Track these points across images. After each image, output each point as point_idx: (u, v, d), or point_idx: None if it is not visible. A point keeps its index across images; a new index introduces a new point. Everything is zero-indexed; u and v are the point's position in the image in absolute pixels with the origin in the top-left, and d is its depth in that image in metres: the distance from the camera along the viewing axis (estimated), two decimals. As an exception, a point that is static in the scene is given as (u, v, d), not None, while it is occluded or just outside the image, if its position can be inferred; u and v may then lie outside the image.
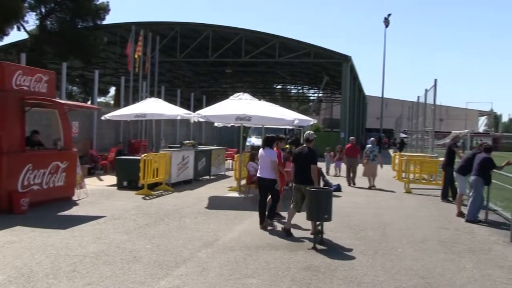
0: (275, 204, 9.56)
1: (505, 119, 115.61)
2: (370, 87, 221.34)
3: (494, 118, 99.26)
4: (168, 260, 6.84)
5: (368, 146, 18.34)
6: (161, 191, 14.02)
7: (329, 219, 8.01)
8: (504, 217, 11.26)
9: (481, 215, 10.99)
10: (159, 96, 24.21)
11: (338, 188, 15.39)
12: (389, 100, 67.76)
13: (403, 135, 46.02)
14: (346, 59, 38.26)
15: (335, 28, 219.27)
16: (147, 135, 23.96)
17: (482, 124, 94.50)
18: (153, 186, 13.98)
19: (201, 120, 14.54)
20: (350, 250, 7.79)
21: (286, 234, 8.70)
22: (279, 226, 9.41)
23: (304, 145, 9.19)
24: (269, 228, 9.25)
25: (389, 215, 11.41)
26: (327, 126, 66.91)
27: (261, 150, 9.78)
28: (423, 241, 8.62)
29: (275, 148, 9.77)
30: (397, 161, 21.25)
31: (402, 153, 24.12)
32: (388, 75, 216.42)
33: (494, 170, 10.76)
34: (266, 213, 9.46)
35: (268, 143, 9.67)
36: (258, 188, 9.94)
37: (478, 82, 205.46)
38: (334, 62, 40.13)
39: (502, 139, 71.97)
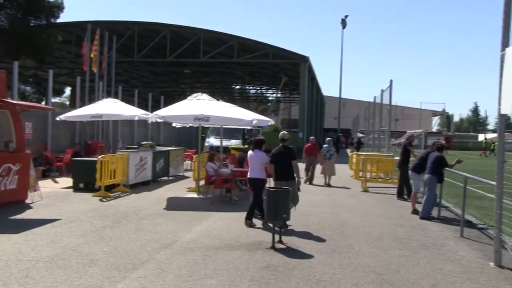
0: (257, 204, 9.89)
1: (456, 118, 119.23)
2: (328, 88, 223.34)
3: (446, 118, 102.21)
4: (126, 262, 6.75)
5: (325, 146, 19.07)
6: (119, 192, 13.81)
7: (287, 218, 8.09)
8: (455, 213, 11.64)
9: (434, 212, 11.32)
10: (116, 97, 23.85)
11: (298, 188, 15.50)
12: (347, 100, 68.84)
13: (361, 135, 46.77)
14: (304, 59, 38.68)
15: (294, 29, 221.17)
16: (104, 136, 23.56)
17: (435, 124, 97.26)
18: (110, 188, 13.78)
19: (159, 120, 14.40)
20: (309, 249, 7.87)
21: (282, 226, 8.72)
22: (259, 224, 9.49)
23: (280, 144, 9.92)
24: (248, 225, 9.58)
25: (346, 213, 11.60)
26: (286, 126, 67.30)
27: (250, 152, 10.24)
28: (379, 238, 8.82)
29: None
30: (354, 160, 21.62)
31: (359, 153, 24.54)
32: (345, 76, 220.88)
33: (446, 168, 11.11)
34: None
35: (257, 145, 10.08)
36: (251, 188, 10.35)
37: (432, 83, 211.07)
38: (293, 62, 40.53)
39: (454, 138, 74.22)
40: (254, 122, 13.73)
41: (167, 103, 26.12)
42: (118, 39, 31.22)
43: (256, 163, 9.90)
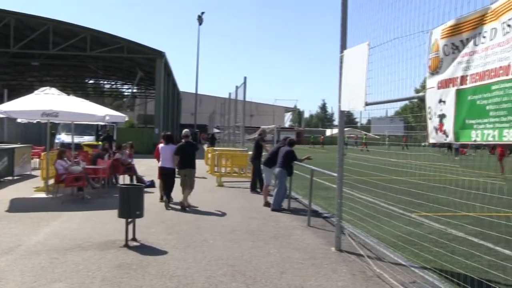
0: (170, 189, 12.04)
1: (307, 115, 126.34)
2: (186, 83, 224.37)
3: (298, 114, 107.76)
4: (-40, 272, 6.16)
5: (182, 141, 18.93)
6: (-47, 196, 12.50)
7: (141, 215, 7.98)
8: (303, 204, 12.37)
9: (285, 204, 11.94)
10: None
11: (152, 184, 15.36)
12: (203, 96, 69.47)
13: (217, 131, 47.54)
14: (160, 54, 38.26)
15: (151, 24, 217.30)
16: None
17: (288, 120, 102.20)
18: None
19: (1, 116, 13.27)
20: (164, 245, 7.86)
21: (182, 208, 11.48)
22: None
23: (183, 140, 12.09)
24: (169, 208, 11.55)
25: (202, 208, 11.73)
26: (142, 122, 66.11)
27: (162, 145, 12.33)
28: (233, 231, 9.08)
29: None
30: (209, 155, 21.92)
31: (215, 148, 24.91)
32: (202, 72, 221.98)
33: (296, 162, 11.76)
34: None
35: (168, 140, 12.27)
36: (160, 175, 12.35)
37: (285, 81, 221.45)
38: (148, 57, 39.87)
39: (304, 133, 78.63)
40: (107, 117, 13.31)
41: (12, 97, 24.12)
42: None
43: (169, 154, 11.94)
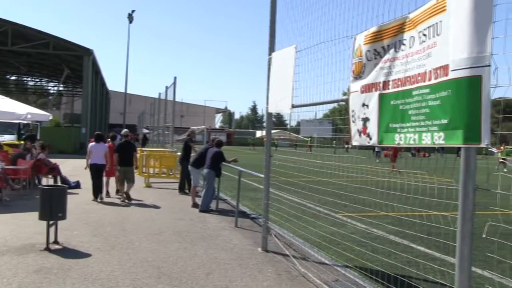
0: (101, 184, 12.86)
1: (237, 116, 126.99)
2: (115, 82, 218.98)
3: (228, 115, 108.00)
4: None
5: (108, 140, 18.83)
6: None
7: (63, 217, 7.68)
8: (232, 205, 12.41)
9: (213, 205, 11.92)
10: None
11: (78, 185, 14.86)
12: (133, 96, 68.07)
13: (146, 131, 46.67)
14: (88, 52, 37.12)
15: (79, 21, 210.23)
16: None
17: (218, 121, 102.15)
18: None
19: None
20: (88, 247, 7.61)
21: (127, 198, 12.85)
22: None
23: (123, 139, 13.64)
24: (99, 200, 12.63)
25: (128, 209, 11.51)
26: (68, 121, 63.86)
27: (93, 143, 12.93)
28: (160, 233, 8.94)
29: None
30: (138, 156, 21.53)
31: (143, 148, 24.50)
32: (132, 71, 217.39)
33: (224, 163, 11.78)
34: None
35: (99, 138, 12.94)
36: (91, 171, 12.82)
37: (216, 82, 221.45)
38: (76, 55, 38.56)
39: (234, 134, 78.89)
40: (29, 116, 12.77)
41: None
42: None
43: (100, 152, 12.77)
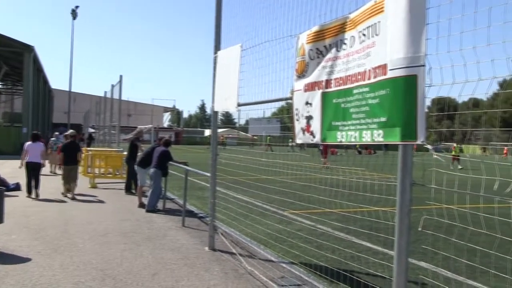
0: (37, 182, 13.33)
1: (186, 115, 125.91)
2: (59, 80, 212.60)
3: (176, 114, 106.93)
4: None
5: (52, 139, 20.87)
6: None
7: (1, 221, 7.40)
8: (179, 205, 12.31)
9: (160, 205, 11.79)
10: None
11: (17, 187, 14.34)
12: (78, 94, 66.38)
13: (92, 130, 45.59)
14: (29, 49, 35.88)
15: (20, 16, 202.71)
16: None
17: (166, 120, 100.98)
18: None
19: None
20: (27, 252, 7.35)
21: (72, 198, 13.13)
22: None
23: (68, 140, 14.12)
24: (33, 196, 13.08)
25: (72, 211, 11.21)
26: (8, 121, 61.38)
27: (29, 143, 13.65)
28: (104, 234, 8.76)
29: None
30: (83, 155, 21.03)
31: (88, 148, 23.93)
32: (77, 69, 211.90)
33: (171, 163, 11.66)
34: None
35: (35, 138, 13.69)
36: (27, 169, 13.36)
37: (164, 80, 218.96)
38: (15, 51, 37.09)
39: (183, 133, 78.30)
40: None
41: None
42: None
43: (36, 151, 13.43)
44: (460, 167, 26.57)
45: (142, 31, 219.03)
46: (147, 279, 6.18)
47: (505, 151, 52.04)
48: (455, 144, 34.10)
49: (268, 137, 38.38)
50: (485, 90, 3.43)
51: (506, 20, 3.06)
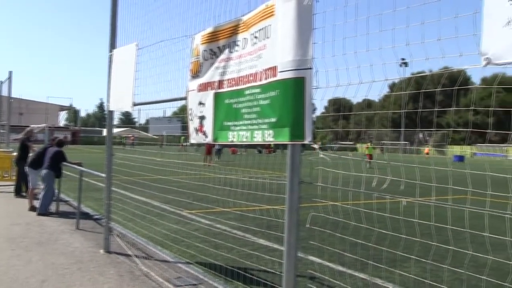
0: None
1: (83, 114, 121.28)
2: None
3: (73, 113, 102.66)
4: None
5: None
6: None
7: None
8: (74, 207, 11.83)
9: (53, 207, 11.26)
10: None
11: None
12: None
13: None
14: None
15: None
16: None
17: (62, 119, 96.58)
18: None
19: None
20: None
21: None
22: None
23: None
24: None
25: (-47, 216, 10.40)
26: None
27: None
28: (-11, 241, 8.23)
29: None
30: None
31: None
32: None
33: (65, 164, 11.18)
34: None
35: None
36: None
37: (60, 78, 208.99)
38: None
39: (80, 132, 75.28)
40: None
41: None
42: None
43: None
44: (368, 166, 25.70)
45: (37, 26, 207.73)
46: (35, 287, 5.89)
47: (426, 151, 55.93)
48: (369, 144, 35.53)
49: (183, 137, 37.92)
50: (378, 92, 3.69)
51: (381, 28, 3.29)
